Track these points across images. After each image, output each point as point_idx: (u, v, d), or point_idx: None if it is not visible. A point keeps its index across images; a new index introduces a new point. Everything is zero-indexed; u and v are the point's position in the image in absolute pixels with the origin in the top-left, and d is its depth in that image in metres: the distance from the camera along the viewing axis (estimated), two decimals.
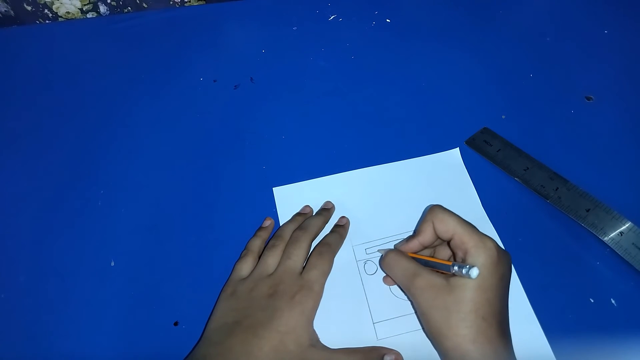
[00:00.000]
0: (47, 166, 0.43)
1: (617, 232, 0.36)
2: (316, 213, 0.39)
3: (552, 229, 0.38)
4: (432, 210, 0.33)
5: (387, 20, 0.54)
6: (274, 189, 0.41)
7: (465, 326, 0.28)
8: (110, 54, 0.52)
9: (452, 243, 0.32)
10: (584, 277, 0.36)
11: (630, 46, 0.51)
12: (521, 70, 0.49)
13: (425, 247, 0.34)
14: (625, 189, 0.40)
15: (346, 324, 0.34)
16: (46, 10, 0.54)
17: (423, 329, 0.33)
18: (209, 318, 0.34)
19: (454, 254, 0.32)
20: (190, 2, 0.56)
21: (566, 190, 0.39)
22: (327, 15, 0.55)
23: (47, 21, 0.55)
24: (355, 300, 0.35)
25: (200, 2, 0.56)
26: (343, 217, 0.39)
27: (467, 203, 0.39)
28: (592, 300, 0.35)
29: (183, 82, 0.49)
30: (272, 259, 0.35)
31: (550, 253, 0.37)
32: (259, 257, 0.36)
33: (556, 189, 0.39)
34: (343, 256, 0.37)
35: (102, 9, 0.55)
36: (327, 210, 0.39)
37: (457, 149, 0.43)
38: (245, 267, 0.35)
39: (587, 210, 0.38)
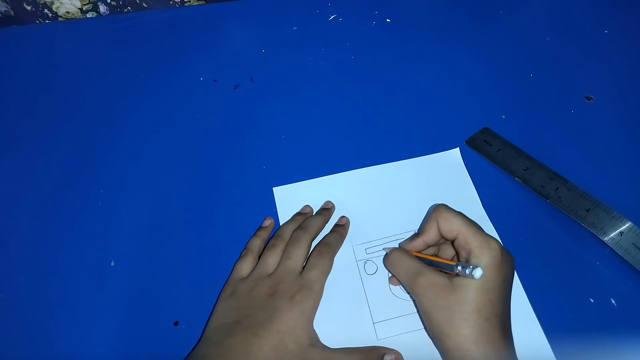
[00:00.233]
0: (47, 166, 0.43)
1: (617, 232, 0.36)
2: (316, 213, 0.39)
3: (552, 229, 0.38)
4: (437, 210, 0.33)
5: (387, 20, 0.54)
6: (274, 188, 0.41)
7: (467, 326, 0.28)
8: (110, 53, 0.52)
9: (456, 243, 0.32)
10: (584, 277, 0.36)
11: (630, 46, 0.51)
12: (521, 70, 0.49)
13: (430, 246, 0.34)
14: (625, 189, 0.40)
15: (346, 323, 0.34)
16: (46, 10, 0.54)
17: (424, 328, 0.33)
18: (208, 318, 0.34)
19: (457, 254, 0.32)
20: (190, 1, 0.56)
21: (566, 190, 0.39)
22: (327, 15, 0.55)
23: (47, 21, 0.55)
24: (355, 300, 0.35)
25: (200, 2, 0.56)
26: (343, 216, 0.39)
27: (467, 203, 0.39)
28: (592, 300, 0.35)
29: (183, 82, 0.49)
30: (272, 259, 0.35)
31: (550, 253, 0.37)
32: (259, 257, 0.36)
33: (556, 189, 0.39)
34: (343, 256, 0.37)
35: (102, 8, 0.55)
36: (327, 210, 0.39)
37: (457, 149, 0.43)
38: (245, 266, 0.35)
39: (587, 210, 0.38)
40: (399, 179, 0.41)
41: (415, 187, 0.41)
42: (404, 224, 0.39)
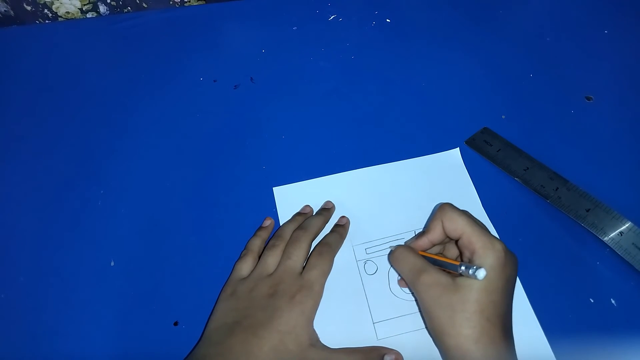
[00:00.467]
0: (47, 166, 0.43)
1: (617, 232, 0.36)
2: (316, 213, 0.39)
3: (552, 229, 0.38)
4: (442, 208, 0.33)
5: (387, 20, 0.54)
6: (274, 188, 0.41)
7: (469, 326, 0.28)
8: (110, 54, 0.52)
9: (460, 242, 0.32)
10: (583, 277, 0.36)
11: (630, 46, 0.51)
12: (521, 70, 0.49)
13: (435, 245, 0.34)
14: (625, 189, 0.40)
15: (346, 323, 0.34)
16: (46, 10, 0.54)
17: (425, 326, 0.33)
18: (208, 318, 0.34)
19: (461, 253, 0.32)
20: (190, 2, 0.56)
21: (566, 190, 0.39)
22: (327, 15, 0.55)
23: (46, 21, 0.55)
24: (355, 300, 0.35)
25: (200, 2, 0.56)
26: (343, 217, 0.39)
27: (468, 203, 0.39)
28: (592, 300, 0.35)
29: (183, 82, 0.49)
30: (272, 259, 0.35)
31: (550, 253, 0.37)
32: (259, 257, 0.36)
33: (556, 189, 0.39)
34: (343, 256, 0.37)
35: (102, 9, 0.55)
36: (327, 210, 0.39)
37: (457, 149, 0.43)
38: (245, 267, 0.35)
39: (587, 210, 0.38)
40: (399, 179, 0.41)
41: (415, 187, 0.41)
42: (404, 224, 0.39)
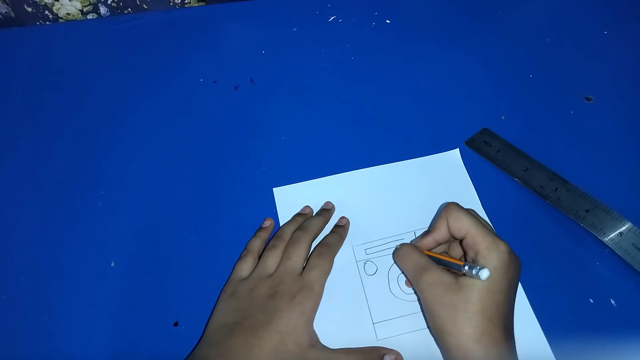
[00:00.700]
0: (48, 167, 0.43)
1: (616, 233, 0.36)
2: (316, 213, 0.39)
3: (551, 230, 0.38)
4: (448, 208, 0.33)
5: (387, 21, 0.54)
6: (274, 189, 0.41)
7: (471, 325, 0.28)
8: (110, 55, 0.52)
9: (464, 242, 0.32)
10: (583, 277, 0.36)
11: (630, 46, 0.51)
12: (521, 71, 0.49)
13: (440, 244, 0.34)
14: (624, 189, 0.40)
15: (346, 324, 0.34)
16: (46, 12, 0.54)
17: (427, 325, 0.33)
18: (208, 318, 0.34)
19: (465, 253, 0.32)
20: (190, 3, 0.56)
21: (566, 191, 0.39)
22: (327, 16, 0.55)
23: (47, 22, 0.55)
24: (355, 301, 0.35)
25: (201, 3, 0.56)
26: (343, 217, 0.39)
27: (467, 204, 0.39)
28: (592, 301, 0.35)
29: (183, 83, 0.49)
30: (272, 260, 0.35)
31: (550, 253, 0.37)
32: (259, 258, 0.36)
33: (555, 190, 0.39)
34: (343, 256, 0.37)
35: (103, 10, 0.55)
36: (327, 210, 0.39)
37: (457, 149, 0.43)
38: (245, 267, 0.35)
39: (587, 211, 0.38)
40: (399, 180, 0.41)
41: (415, 187, 0.41)
42: (404, 224, 0.39)
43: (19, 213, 0.41)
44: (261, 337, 0.30)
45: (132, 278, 0.37)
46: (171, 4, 0.55)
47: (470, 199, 0.40)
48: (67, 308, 0.36)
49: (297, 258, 0.34)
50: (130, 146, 0.44)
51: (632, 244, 0.36)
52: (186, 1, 0.56)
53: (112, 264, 0.38)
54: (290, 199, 0.41)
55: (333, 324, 0.34)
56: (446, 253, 0.35)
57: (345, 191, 0.41)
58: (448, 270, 0.31)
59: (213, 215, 0.40)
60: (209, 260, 0.38)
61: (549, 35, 0.52)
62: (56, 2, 0.53)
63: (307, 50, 0.51)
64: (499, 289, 0.29)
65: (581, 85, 0.47)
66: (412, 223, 0.39)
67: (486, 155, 0.42)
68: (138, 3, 0.55)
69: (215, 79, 0.49)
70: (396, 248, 0.35)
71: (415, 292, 0.35)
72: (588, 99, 0.47)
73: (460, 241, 0.32)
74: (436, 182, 0.41)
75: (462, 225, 0.31)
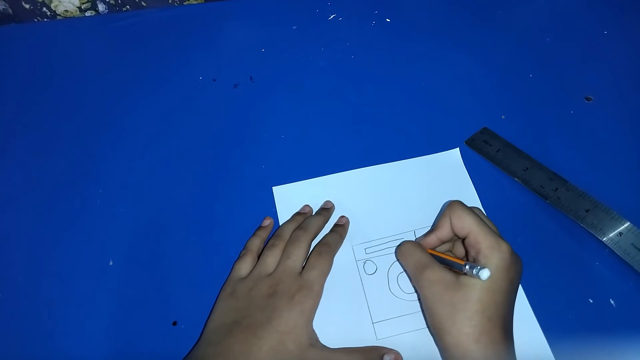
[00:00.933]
0: (46, 165, 0.43)
1: (616, 233, 0.36)
2: (316, 213, 0.39)
3: (551, 229, 0.38)
4: (451, 206, 0.33)
5: (387, 20, 0.54)
6: (273, 188, 0.41)
7: (470, 325, 0.28)
8: (108, 52, 0.51)
9: (466, 241, 0.32)
10: (583, 277, 0.36)
11: (630, 46, 0.51)
12: (521, 70, 0.49)
13: (444, 242, 0.34)
14: (624, 189, 0.40)
15: (346, 323, 0.34)
16: (44, 9, 0.54)
17: (427, 324, 0.33)
18: (207, 318, 0.34)
19: (466, 252, 0.32)
20: (189, 0, 0.56)
21: (565, 191, 0.39)
22: (327, 15, 0.54)
23: (45, 19, 0.55)
24: (354, 300, 0.35)
25: (200, 1, 0.56)
26: (343, 216, 0.39)
27: (468, 203, 0.39)
28: (591, 301, 0.35)
29: (182, 81, 0.49)
30: (271, 259, 0.35)
31: (550, 253, 0.37)
32: (258, 257, 0.36)
33: (555, 189, 0.39)
34: (343, 256, 0.37)
35: (101, 7, 0.55)
36: (326, 209, 0.39)
37: (458, 149, 0.43)
38: (244, 266, 0.35)
39: (587, 211, 0.38)
40: (399, 179, 0.41)
41: (415, 187, 0.41)
42: (403, 224, 0.39)
43: (16, 211, 0.40)
44: (260, 336, 0.30)
45: (130, 277, 0.37)
46: (170, 1, 0.55)
47: (471, 199, 0.40)
48: (65, 307, 0.36)
49: (296, 257, 0.34)
50: (128, 144, 0.44)
51: (632, 244, 0.36)
52: None
53: (111, 263, 0.38)
54: (290, 198, 0.40)
55: (333, 323, 0.34)
56: (450, 252, 0.35)
57: (345, 190, 0.41)
58: (450, 269, 0.31)
59: (212, 214, 0.40)
60: (208, 259, 0.37)
61: (549, 35, 0.52)
62: None
63: (307, 48, 0.51)
64: (500, 289, 0.29)
65: (581, 85, 0.47)
66: (412, 222, 0.39)
67: (486, 155, 0.42)
68: (137, 0, 0.54)
69: (215, 77, 0.49)
70: (399, 244, 0.35)
71: (416, 291, 0.35)
72: (588, 99, 0.47)
73: (463, 240, 0.32)
74: (436, 182, 0.41)
75: (465, 224, 0.31)
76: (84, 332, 0.35)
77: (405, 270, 0.36)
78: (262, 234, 0.38)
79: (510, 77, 0.48)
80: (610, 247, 0.36)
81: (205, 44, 0.52)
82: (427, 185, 0.41)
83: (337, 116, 0.46)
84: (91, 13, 0.55)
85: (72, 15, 0.55)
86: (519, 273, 0.31)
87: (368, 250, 0.38)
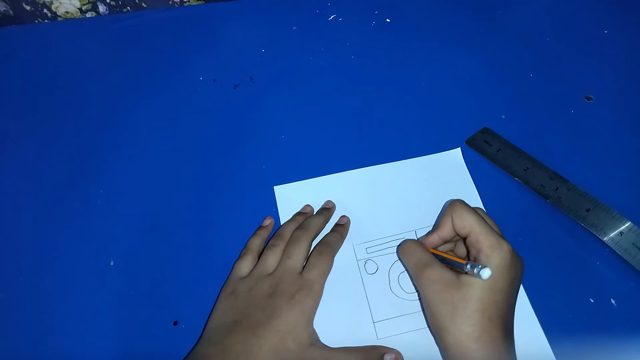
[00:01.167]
0: (47, 166, 0.43)
1: (617, 232, 0.36)
2: (317, 212, 0.39)
3: (552, 229, 0.38)
4: (453, 205, 0.33)
5: (387, 20, 0.54)
6: (274, 187, 0.41)
7: (470, 324, 0.28)
8: (109, 53, 0.52)
9: (467, 240, 0.32)
10: (583, 277, 0.36)
11: (630, 46, 0.51)
12: (521, 70, 0.49)
13: (446, 242, 0.34)
14: (625, 189, 0.40)
15: (346, 323, 0.34)
16: (45, 10, 0.54)
17: (427, 324, 0.33)
18: (208, 317, 0.34)
19: (468, 252, 0.32)
20: (189, 1, 0.56)
21: (566, 190, 0.39)
22: (327, 15, 0.55)
23: (46, 21, 0.55)
24: (355, 300, 0.35)
25: (200, 2, 0.56)
26: (343, 216, 0.39)
27: (469, 203, 0.39)
28: (592, 300, 0.35)
29: (183, 82, 0.49)
30: (272, 258, 0.35)
31: (550, 253, 0.37)
32: (259, 257, 0.36)
33: (556, 189, 0.39)
34: (343, 255, 0.37)
35: (102, 8, 0.55)
36: (327, 209, 0.39)
37: (459, 148, 0.43)
38: (244, 266, 0.35)
39: (587, 210, 0.38)
40: (400, 179, 0.41)
41: (416, 187, 0.41)
42: (404, 223, 0.39)
43: (18, 212, 0.40)
44: (261, 336, 0.30)
45: (131, 277, 0.37)
46: (170, 2, 0.55)
47: (472, 199, 0.40)
48: (66, 307, 0.36)
49: (297, 257, 0.34)
50: (129, 144, 0.44)
51: (633, 243, 0.36)
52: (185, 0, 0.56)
53: (112, 263, 0.38)
54: (291, 198, 0.40)
55: (333, 322, 0.34)
56: (452, 252, 0.35)
57: (346, 190, 0.41)
58: (451, 268, 0.31)
59: (213, 213, 0.40)
60: (209, 259, 0.37)
61: (549, 35, 0.52)
62: (55, 0, 0.53)
63: (307, 48, 0.51)
64: (500, 288, 0.29)
65: (581, 85, 0.47)
66: (413, 222, 0.39)
67: (486, 155, 0.42)
68: (137, 1, 0.55)
69: (215, 78, 0.49)
70: (400, 243, 0.35)
71: (417, 290, 0.35)
72: (588, 99, 0.47)
73: (464, 239, 0.32)
74: (437, 182, 0.41)
75: (466, 223, 0.31)
76: (85, 331, 0.35)
77: (406, 269, 0.36)
78: (263, 234, 0.38)
79: (511, 77, 0.48)
80: (611, 246, 0.36)
81: (206, 44, 0.52)
82: (429, 185, 0.41)
83: (337, 116, 0.46)
84: (92, 14, 0.55)
85: (72, 17, 0.55)
86: (520, 273, 0.31)
87: (369, 250, 0.38)
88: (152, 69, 0.50)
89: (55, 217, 0.40)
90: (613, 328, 0.34)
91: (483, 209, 0.39)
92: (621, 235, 0.36)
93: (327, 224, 0.39)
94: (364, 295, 0.35)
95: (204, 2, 0.56)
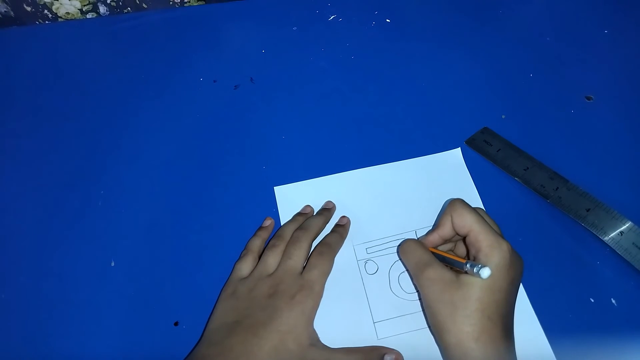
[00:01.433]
0: (47, 166, 0.43)
1: (617, 232, 0.36)
2: (317, 213, 0.39)
3: (552, 229, 0.38)
4: (452, 204, 0.33)
5: (387, 20, 0.54)
6: (275, 188, 0.41)
7: (470, 323, 0.28)
8: (110, 54, 0.52)
9: (467, 240, 0.32)
10: (584, 276, 0.36)
11: (630, 46, 0.51)
12: (521, 70, 0.49)
13: (446, 241, 0.34)
14: (625, 188, 0.40)
15: (346, 323, 0.34)
16: (46, 11, 0.54)
17: (427, 324, 0.33)
18: (209, 318, 0.34)
19: (467, 251, 0.32)
20: (190, 2, 0.56)
21: (566, 190, 0.39)
22: (327, 16, 0.55)
23: (46, 22, 0.55)
24: (355, 300, 0.35)
25: (200, 3, 0.56)
26: (344, 216, 0.39)
27: (469, 203, 0.39)
28: (593, 300, 0.35)
29: (183, 83, 0.49)
30: (272, 259, 0.35)
31: (551, 253, 0.37)
32: (259, 257, 0.36)
33: (556, 189, 0.39)
34: (344, 256, 0.37)
35: (102, 9, 0.55)
36: (327, 210, 0.39)
37: (459, 148, 0.43)
38: (245, 266, 0.35)
39: (587, 210, 0.38)
40: (400, 179, 0.41)
41: (416, 187, 0.41)
42: (404, 224, 0.39)
43: (18, 212, 0.40)
44: (261, 336, 0.30)
45: (132, 278, 0.37)
46: (170, 3, 0.55)
47: (472, 199, 0.40)
48: (67, 308, 0.36)
49: (297, 257, 0.34)
50: (130, 145, 0.44)
51: (633, 243, 0.36)
52: (186, 0, 0.56)
53: (112, 264, 0.38)
54: (291, 198, 0.41)
55: (334, 323, 0.34)
56: (452, 251, 0.35)
57: (346, 190, 0.41)
58: (451, 267, 0.31)
59: (213, 214, 0.40)
60: (209, 260, 0.38)
61: (549, 35, 0.52)
62: (55, 1, 0.53)
63: (307, 49, 0.51)
64: (500, 288, 0.29)
65: (581, 85, 0.47)
66: (413, 222, 0.39)
67: (486, 155, 0.42)
68: (137, 2, 0.55)
69: (215, 79, 0.49)
70: (401, 242, 0.35)
71: (417, 290, 0.35)
72: (588, 98, 0.47)
73: (464, 239, 0.32)
74: (437, 182, 0.41)
75: (466, 222, 0.31)
76: (85, 332, 0.35)
77: (406, 269, 0.36)
78: (263, 234, 0.38)
79: (511, 77, 0.48)
80: (612, 246, 0.36)
81: (206, 45, 0.52)
82: (429, 185, 0.41)
83: (337, 116, 0.46)
84: (92, 15, 0.55)
85: (73, 18, 0.55)
86: (520, 272, 0.31)
87: (369, 250, 0.38)
88: (152, 70, 0.50)
89: (56, 217, 0.40)
90: (613, 328, 0.34)
91: (483, 208, 0.39)
92: (621, 235, 0.36)
93: (327, 225, 0.39)
94: (364, 296, 0.35)
95: (204, 2, 0.56)
